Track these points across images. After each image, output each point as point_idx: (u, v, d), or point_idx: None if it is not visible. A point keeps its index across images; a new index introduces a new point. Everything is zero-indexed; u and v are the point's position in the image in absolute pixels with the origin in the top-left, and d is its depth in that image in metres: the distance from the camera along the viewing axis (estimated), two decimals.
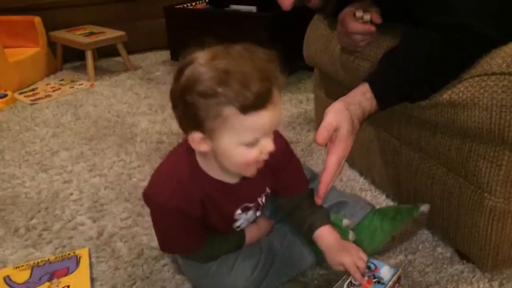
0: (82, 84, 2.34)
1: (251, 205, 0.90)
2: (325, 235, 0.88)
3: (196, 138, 0.75)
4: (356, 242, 0.95)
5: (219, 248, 0.94)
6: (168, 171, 0.86)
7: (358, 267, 0.82)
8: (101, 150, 1.64)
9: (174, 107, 0.75)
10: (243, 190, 0.87)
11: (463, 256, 1.00)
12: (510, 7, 0.83)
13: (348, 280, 0.81)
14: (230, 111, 0.69)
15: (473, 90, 0.83)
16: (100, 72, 2.51)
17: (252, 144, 0.74)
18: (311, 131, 1.68)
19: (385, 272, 0.83)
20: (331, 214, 0.99)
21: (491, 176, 0.86)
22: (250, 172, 0.80)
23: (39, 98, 2.17)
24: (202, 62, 0.70)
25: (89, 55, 2.37)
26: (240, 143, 0.73)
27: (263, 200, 0.92)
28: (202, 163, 0.83)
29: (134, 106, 2.04)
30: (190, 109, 0.71)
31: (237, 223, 0.93)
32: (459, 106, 0.85)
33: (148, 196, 0.86)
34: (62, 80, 2.43)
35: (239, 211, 0.90)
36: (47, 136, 1.78)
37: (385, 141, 1.16)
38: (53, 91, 2.27)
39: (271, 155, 0.80)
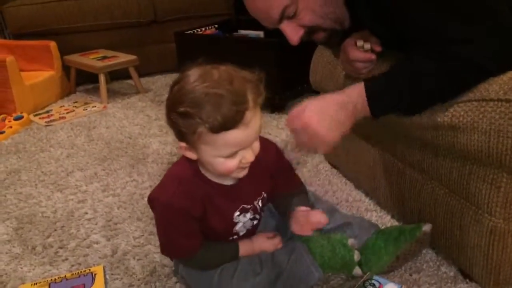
0: (95, 106, 2.41)
1: (248, 207, 0.97)
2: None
3: (183, 147, 0.87)
4: (361, 262, 0.99)
5: (213, 255, 0.98)
6: (171, 175, 0.95)
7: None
8: (114, 170, 1.69)
9: (167, 118, 0.86)
10: (240, 192, 0.95)
11: (466, 275, 1.03)
12: (509, 39, 0.87)
13: None
14: (202, 130, 0.80)
15: (473, 115, 0.87)
16: (112, 94, 2.59)
17: (230, 156, 0.83)
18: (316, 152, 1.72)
19: None
20: (337, 234, 1.02)
21: (491, 198, 0.90)
22: (238, 175, 0.89)
23: (54, 120, 2.24)
24: (188, 82, 0.81)
25: (102, 78, 2.44)
26: (217, 156, 0.83)
27: (260, 204, 0.99)
28: (201, 167, 0.92)
29: (146, 127, 2.10)
30: (173, 125, 0.84)
31: (237, 227, 0.98)
32: (459, 130, 0.89)
33: (153, 196, 0.94)
34: (75, 102, 2.50)
35: (237, 213, 0.96)
36: (61, 157, 1.84)
37: (390, 163, 1.20)
38: (67, 113, 2.34)
39: (265, 162, 0.93)
